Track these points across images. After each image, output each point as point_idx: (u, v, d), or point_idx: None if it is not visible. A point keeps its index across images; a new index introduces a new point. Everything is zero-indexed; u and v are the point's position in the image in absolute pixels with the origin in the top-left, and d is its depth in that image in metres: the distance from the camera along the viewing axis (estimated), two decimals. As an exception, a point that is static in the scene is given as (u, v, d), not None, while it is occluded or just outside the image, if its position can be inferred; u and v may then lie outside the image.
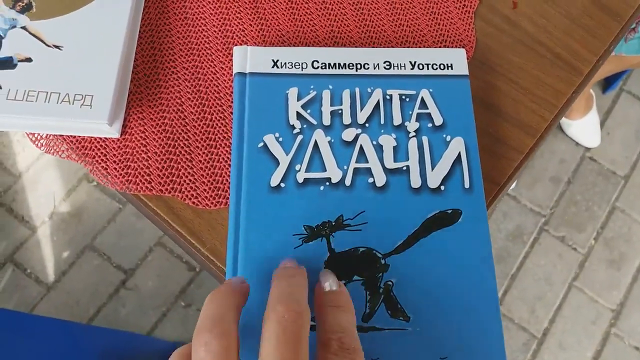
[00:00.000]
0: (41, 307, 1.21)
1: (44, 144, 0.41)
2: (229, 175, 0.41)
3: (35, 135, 0.42)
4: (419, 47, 0.46)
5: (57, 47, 0.41)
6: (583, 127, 1.34)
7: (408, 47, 0.46)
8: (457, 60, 0.43)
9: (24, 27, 0.41)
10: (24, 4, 0.42)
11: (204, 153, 0.41)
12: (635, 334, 1.21)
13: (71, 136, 0.41)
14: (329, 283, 0.32)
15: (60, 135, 0.41)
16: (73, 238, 1.28)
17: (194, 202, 0.40)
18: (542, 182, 1.33)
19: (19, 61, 0.40)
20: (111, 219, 1.29)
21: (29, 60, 0.40)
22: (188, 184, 0.40)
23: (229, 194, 0.40)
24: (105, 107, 0.39)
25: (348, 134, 0.40)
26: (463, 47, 0.46)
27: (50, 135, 0.41)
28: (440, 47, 0.46)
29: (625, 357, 1.19)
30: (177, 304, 1.22)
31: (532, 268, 1.25)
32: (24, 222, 1.29)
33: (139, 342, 1.08)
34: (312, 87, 0.41)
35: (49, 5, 0.42)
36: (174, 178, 0.40)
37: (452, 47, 0.46)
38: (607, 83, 1.40)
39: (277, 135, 0.40)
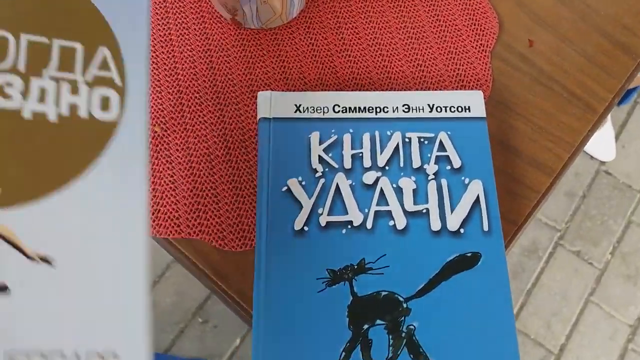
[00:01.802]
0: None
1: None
2: (254, 218, 0.42)
3: (69, 180, 0.43)
4: (437, 87, 0.47)
5: (44, 260, 0.24)
6: (598, 141, 1.34)
7: (426, 87, 0.47)
8: (475, 102, 0.44)
9: None
10: None
11: (230, 195, 0.43)
12: (653, 349, 1.21)
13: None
14: None
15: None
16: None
17: (220, 244, 0.41)
18: (556, 196, 1.33)
19: None
20: (130, 236, 1.31)
21: (3, 289, 0.23)
22: (215, 226, 0.42)
23: (254, 237, 0.42)
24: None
25: (368, 177, 0.41)
26: (480, 87, 0.47)
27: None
28: (458, 86, 0.47)
29: (643, 373, 1.19)
30: (195, 320, 1.23)
31: (548, 283, 1.25)
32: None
33: (159, 360, 1.09)
34: (333, 131, 0.43)
35: (19, 179, 0.25)
36: (201, 221, 0.42)
37: (469, 86, 0.47)
38: (622, 96, 1.40)
39: (300, 179, 0.41)
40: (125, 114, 0.28)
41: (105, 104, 0.28)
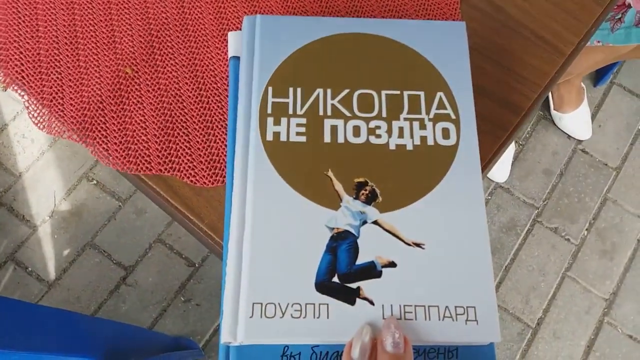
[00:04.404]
0: (42, 304, 1.22)
1: (45, 125, 0.43)
2: (226, 155, 0.42)
3: (37, 119, 0.43)
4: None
5: (417, 244, 0.35)
6: (575, 120, 1.36)
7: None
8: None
9: (375, 222, 0.36)
10: (367, 192, 0.36)
11: (201, 134, 0.43)
12: (628, 322, 1.23)
13: (72, 117, 0.43)
14: (391, 342, 0.31)
15: (61, 116, 0.43)
16: (73, 236, 1.29)
17: (192, 181, 0.41)
18: (534, 174, 1.34)
19: (382, 267, 0.34)
20: (111, 217, 1.30)
21: (392, 265, 0.34)
22: (186, 163, 0.42)
23: (225, 173, 0.42)
24: (491, 320, 0.34)
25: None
26: (449, 32, 0.47)
27: (51, 117, 0.43)
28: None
29: (618, 345, 1.21)
30: (177, 299, 1.23)
31: (526, 259, 1.27)
32: (24, 221, 1.30)
33: (141, 335, 1.09)
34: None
35: (394, 191, 0.36)
36: (172, 158, 0.42)
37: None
38: (598, 76, 1.42)
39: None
40: (461, 139, 0.38)
41: (445, 134, 0.38)
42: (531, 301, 1.23)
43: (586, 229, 1.29)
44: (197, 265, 1.26)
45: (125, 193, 1.31)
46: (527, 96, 0.46)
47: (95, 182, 1.33)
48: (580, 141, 1.37)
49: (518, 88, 0.46)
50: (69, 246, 1.29)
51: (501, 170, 1.31)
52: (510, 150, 1.34)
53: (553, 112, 1.38)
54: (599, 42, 0.92)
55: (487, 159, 0.44)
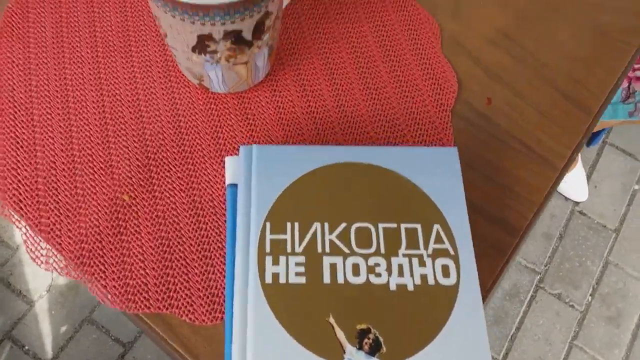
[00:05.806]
0: (37, 386, 1.19)
1: (43, 261, 0.43)
2: (224, 289, 0.42)
3: (35, 253, 0.43)
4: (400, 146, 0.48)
5: None
6: (570, 182, 1.37)
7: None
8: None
9: None
10: (371, 341, 0.36)
11: (200, 265, 0.43)
12: (639, 391, 1.20)
13: (70, 251, 0.43)
14: None
15: (59, 250, 0.43)
16: (70, 311, 1.27)
17: (190, 319, 0.41)
18: (534, 238, 1.34)
19: None
20: (108, 291, 1.29)
21: None
22: (185, 299, 0.42)
23: (224, 309, 0.41)
24: None
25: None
26: (442, 146, 0.48)
27: (49, 252, 0.43)
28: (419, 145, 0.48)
29: (630, 416, 1.18)
30: (175, 377, 1.21)
31: (531, 328, 1.25)
32: (21, 297, 1.29)
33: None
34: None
35: (397, 340, 0.36)
36: (171, 294, 0.42)
37: (432, 146, 0.48)
38: (591, 137, 1.44)
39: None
40: (462, 278, 0.37)
41: (445, 271, 0.37)
42: (538, 371, 1.21)
43: (590, 295, 1.28)
44: (196, 340, 1.24)
45: (124, 267, 1.30)
46: (523, 215, 0.46)
47: (93, 256, 1.32)
48: (577, 203, 1.38)
49: (512, 205, 0.46)
50: (66, 322, 1.27)
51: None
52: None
53: (550, 175, 1.39)
54: (591, 119, 0.93)
55: (488, 287, 0.43)
